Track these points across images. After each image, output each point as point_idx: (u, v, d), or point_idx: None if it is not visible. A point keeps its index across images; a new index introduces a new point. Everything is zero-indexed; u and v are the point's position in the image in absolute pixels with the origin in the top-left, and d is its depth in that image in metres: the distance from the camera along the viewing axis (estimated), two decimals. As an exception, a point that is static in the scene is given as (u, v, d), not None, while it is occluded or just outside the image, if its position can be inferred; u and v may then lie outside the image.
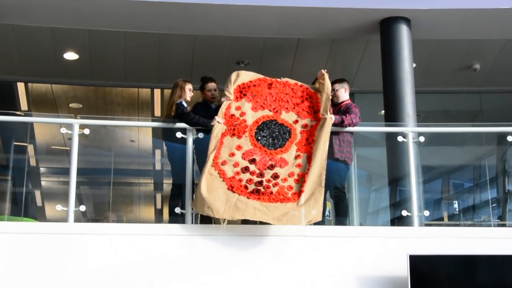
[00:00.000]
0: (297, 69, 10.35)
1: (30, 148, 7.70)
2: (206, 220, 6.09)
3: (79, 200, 6.22)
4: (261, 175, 6.04)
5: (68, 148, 6.26)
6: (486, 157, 7.54)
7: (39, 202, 8.87)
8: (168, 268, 5.72)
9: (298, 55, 10.20)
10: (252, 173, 6.04)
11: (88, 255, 5.71)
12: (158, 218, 8.60)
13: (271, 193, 5.91)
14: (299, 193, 5.91)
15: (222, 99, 6.51)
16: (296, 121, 6.39)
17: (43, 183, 9.83)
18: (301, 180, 6.00)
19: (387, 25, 9.08)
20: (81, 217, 6.64)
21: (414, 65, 9.16)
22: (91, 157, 7.25)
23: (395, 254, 5.74)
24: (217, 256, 5.79)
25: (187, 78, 6.85)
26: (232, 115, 6.39)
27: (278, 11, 8.96)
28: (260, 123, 6.36)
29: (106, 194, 7.13)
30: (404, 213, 6.31)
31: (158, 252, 5.79)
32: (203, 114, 6.59)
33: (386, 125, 8.21)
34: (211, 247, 5.82)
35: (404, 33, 8.98)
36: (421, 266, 5.60)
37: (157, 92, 11.44)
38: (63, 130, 6.27)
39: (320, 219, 5.81)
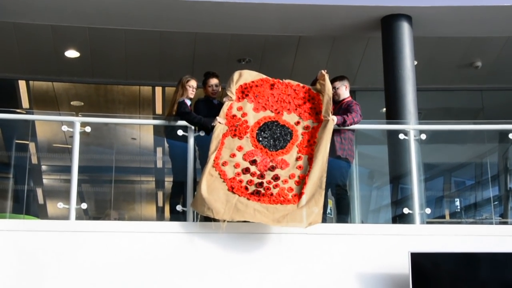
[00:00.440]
0: (298, 66, 10.35)
1: (32, 146, 7.71)
2: (207, 218, 6.08)
3: (81, 198, 6.23)
4: (261, 176, 6.02)
5: (70, 146, 6.26)
6: (488, 154, 7.53)
7: (40, 200, 8.89)
8: (169, 266, 5.72)
9: (299, 53, 10.20)
10: (252, 174, 6.03)
11: (89, 253, 5.72)
12: (160, 216, 8.61)
13: (272, 194, 5.90)
14: (299, 195, 5.90)
15: (224, 99, 6.49)
16: (298, 123, 6.38)
17: (44, 181, 9.85)
18: (301, 182, 5.99)
19: (388, 23, 9.07)
20: (83, 215, 6.65)
21: (416, 62, 9.15)
22: (92, 155, 7.25)
23: (397, 251, 5.74)
24: (218, 253, 5.79)
25: (188, 76, 6.82)
26: (234, 115, 6.37)
27: (279, 9, 8.95)
28: (261, 124, 6.35)
29: (108, 192, 7.13)
30: (406, 210, 6.31)
31: (160, 249, 5.79)
32: (204, 110, 6.59)
33: (388, 123, 8.20)
34: (212, 244, 5.82)
35: (405, 31, 8.97)
36: (422, 263, 5.60)
37: (158, 89, 11.44)
38: (65, 128, 6.27)
39: (320, 221, 5.80)
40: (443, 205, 8.82)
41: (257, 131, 6.30)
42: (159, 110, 11.49)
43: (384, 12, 9.02)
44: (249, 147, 6.20)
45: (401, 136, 6.53)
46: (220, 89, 6.85)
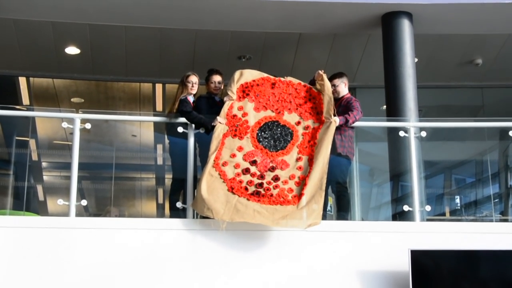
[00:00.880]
0: (299, 63, 10.34)
1: (32, 143, 7.70)
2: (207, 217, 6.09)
3: (81, 195, 6.22)
4: (261, 177, 6.01)
5: (70, 143, 6.26)
6: (488, 152, 7.53)
7: (41, 196, 8.89)
8: (169, 263, 5.73)
9: (299, 50, 10.19)
10: (252, 175, 6.02)
11: (89, 250, 5.72)
12: (160, 213, 8.61)
13: (271, 195, 5.89)
14: (299, 196, 5.89)
15: (225, 98, 6.47)
16: (299, 123, 6.36)
17: (45, 177, 9.84)
18: (301, 182, 5.98)
19: (389, 20, 9.06)
20: (83, 212, 6.65)
21: (416, 59, 9.14)
22: (92, 151, 7.25)
23: (397, 249, 5.74)
24: (218, 250, 5.79)
25: (189, 72, 6.80)
26: (234, 115, 6.35)
27: (279, 6, 8.94)
28: (262, 124, 6.33)
29: (108, 189, 7.14)
30: (406, 208, 6.30)
31: (160, 246, 5.79)
32: (206, 107, 6.57)
33: (388, 120, 8.21)
34: (212, 241, 5.82)
35: (406, 28, 8.96)
36: (422, 261, 5.60)
37: (158, 86, 11.43)
38: (65, 125, 6.27)
39: (319, 223, 5.79)
40: (443, 203, 8.82)
41: (257, 132, 6.29)
42: (159, 107, 11.49)
43: (385, 9, 9.01)
44: (249, 147, 6.18)
45: (402, 133, 6.52)
46: (222, 87, 6.82)
